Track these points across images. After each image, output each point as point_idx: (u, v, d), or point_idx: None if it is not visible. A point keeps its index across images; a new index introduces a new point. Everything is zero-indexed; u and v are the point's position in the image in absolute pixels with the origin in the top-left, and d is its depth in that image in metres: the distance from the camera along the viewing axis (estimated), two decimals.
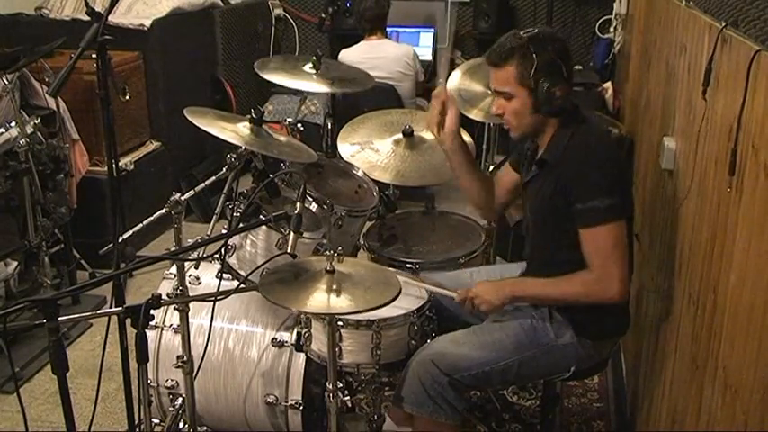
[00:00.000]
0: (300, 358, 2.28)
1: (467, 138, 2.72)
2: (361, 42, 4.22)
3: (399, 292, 1.81)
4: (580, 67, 4.92)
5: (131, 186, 3.86)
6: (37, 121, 3.17)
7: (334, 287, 1.78)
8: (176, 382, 2.37)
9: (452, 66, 3.05)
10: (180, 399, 2.36)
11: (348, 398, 2.16)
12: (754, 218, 1.32)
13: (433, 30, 5.12)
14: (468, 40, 5.33)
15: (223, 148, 2.16)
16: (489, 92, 2.49)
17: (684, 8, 2.21)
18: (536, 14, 5.16)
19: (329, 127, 3.26)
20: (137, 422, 1.95)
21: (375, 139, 2.70)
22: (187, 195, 2.11)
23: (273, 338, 2.32)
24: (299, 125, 2.69)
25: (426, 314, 2.16)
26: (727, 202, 1.51)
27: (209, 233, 2.20)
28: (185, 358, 2.11)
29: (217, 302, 2.09)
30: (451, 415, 2.02)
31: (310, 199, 2.25)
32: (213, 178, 2.27)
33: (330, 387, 1.97)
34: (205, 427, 2.38)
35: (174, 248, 2.04)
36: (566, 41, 2.07)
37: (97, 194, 3.67)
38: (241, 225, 2.05)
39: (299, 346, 2.23)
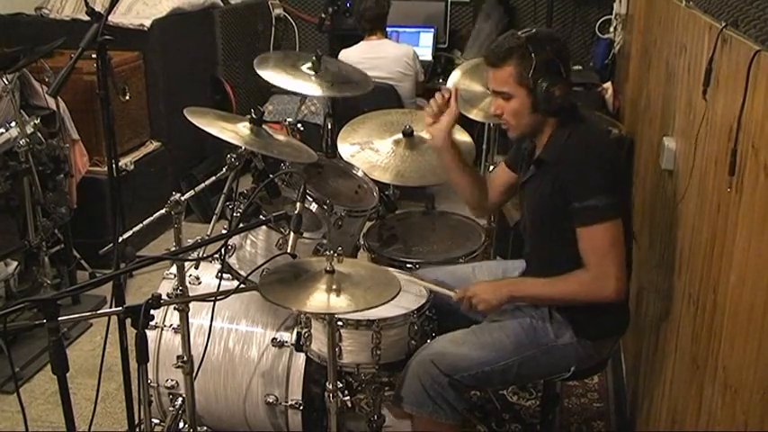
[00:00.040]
0: (300, 358, 2.28)
1: (466, 138, 2.74)
2: (361, 42, 4.22)
3: (399, 292, 1.81)
4: (580, 67, 4.92)
5: (131, 186, 3.86)
6: (37, 121, 3.17)
7: (334, 287, 1.78)
8: (176, 382, 2.37)
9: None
10: (180, 399, 2.36)
11: (348, 398, 2.16)
12: (754, 218, 1.32)
13: (433, 30, 5.12)
14: (469, 40, 5.32)
15: (223, 148, 2.16)
16: (489, 92, 2.49)
17: (684, 8, 2.21)
18: (536, 14, 5.16)
19: (329, 127, 3.26)
20: (137, 422, 1.95)
21: (375, 139, 2.70)
22: (187, 195, 2.11)
23: (273, 338, 2.32)
24: (299, 125, 2.69)
25: (426, 314, 2.16)
26: (727, 202, 1.51)
27: (209, 233, 2.20)
28: (185, 358, 2.10)
29: (217, 302, 2.09)
30: (451, 415, 2.02)
31: (310, 199, 2.25)
32: (213, 178, 2.27)
33: (330, 387, 1.97)
34: (205, 427, 2.38)
35: (174, 248, 2.04)
36: (563, 41, 2.07)
37: (97, 194, 3.67)
38: (241, 225, 2.05)
39: (299, 346, 2.23)
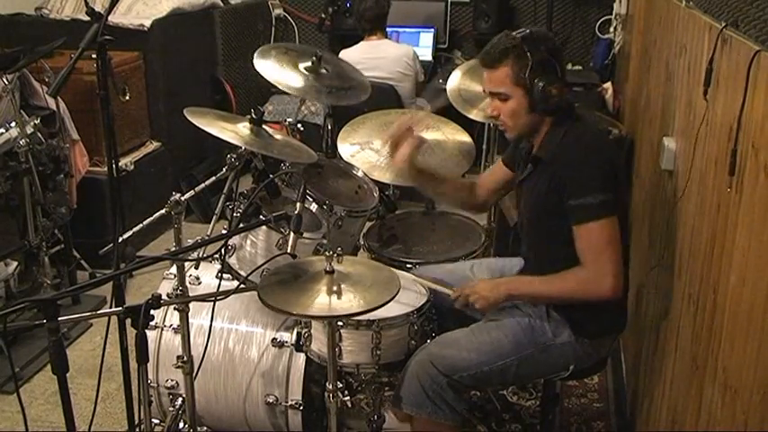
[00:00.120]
0: (300, 358, 2.28)
1: (466, 138, 2.74)
2: (361, 42, 4.22)
3: (399, 290, 1.81)
4: (580, 68, 4.93)
5: (131, 186, 3.86)
6: (37, 122, 3.17)
7: (335, 288, 1.78)
8: (176, 382, 2.37)
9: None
10: (180, 399, 2.36)
11: (348, 398, 2.16)
12: (754, 218, 1.32)
13: (433, 30, 5.12)
14: (468, 40, 5.32)
15: (223, 148, 2.16)
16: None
17: (684, 8, 2.21)
18: (536, 14, 5.15)
19: (329, 127, 3.25)
20: (137, 422, 1.94)
21: (375, 139, 2.70)
22: (187, 195, 2.11)
23: (273, 339, 2.32)
24: (299, 125, 2.69)
25: (426, 314, 2.16)
26: (727, 202, 1.51)
27: (209, 233, 2.20)
28: (185, 358, 2.10)
29: (217, 303, 2.09)
30: (450, 416, 2.02)
31: (310, 199, 2.25)
32: (213, 178, 2.27)
33: (330, 387, 1.97)
34: (205, 428, 2.38)
35: (174, 248, 2.04)
36: (557, 40, 2.08)
37: (97, 194, 3.67)
38: (241, 225, 2.05)
39: (298, 347, 2.23)
